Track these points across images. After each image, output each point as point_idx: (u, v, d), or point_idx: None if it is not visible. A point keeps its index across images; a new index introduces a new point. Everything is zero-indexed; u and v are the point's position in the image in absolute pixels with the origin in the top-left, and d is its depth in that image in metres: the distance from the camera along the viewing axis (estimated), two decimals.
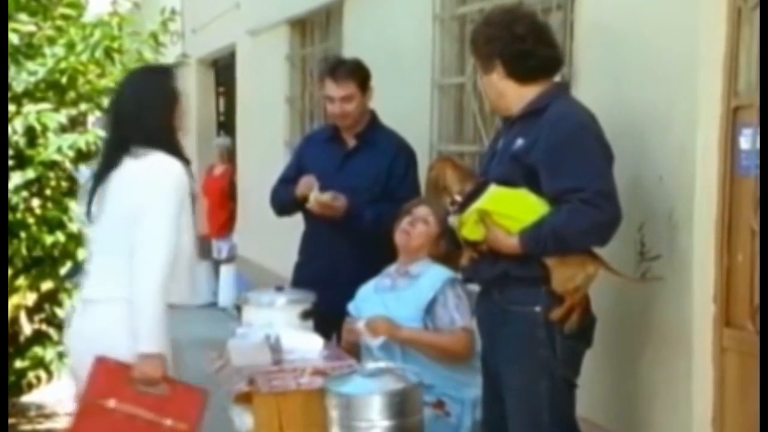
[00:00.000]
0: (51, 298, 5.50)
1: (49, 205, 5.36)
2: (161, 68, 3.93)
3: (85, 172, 4.99)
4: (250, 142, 9.62)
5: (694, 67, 3.22)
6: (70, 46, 5.38)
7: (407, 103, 5.40)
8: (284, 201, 4.45)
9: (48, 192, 5.40)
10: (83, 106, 5.48)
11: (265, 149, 8.75)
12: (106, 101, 5.17)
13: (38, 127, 5.15)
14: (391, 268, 3.89)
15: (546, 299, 3.05)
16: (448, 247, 3.64)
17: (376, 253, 4.01)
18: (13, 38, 5.18)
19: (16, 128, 5.11)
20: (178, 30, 7.03)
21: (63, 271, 5.33)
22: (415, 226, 3.82)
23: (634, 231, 3.35)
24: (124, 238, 3.13)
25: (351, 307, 3.88)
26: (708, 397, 3.23)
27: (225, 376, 3.56)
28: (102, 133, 3.32)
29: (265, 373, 3.38)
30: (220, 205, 10.04)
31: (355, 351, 3.76)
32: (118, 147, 3.27)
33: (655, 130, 3.39)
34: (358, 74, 4.33)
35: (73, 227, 5.20)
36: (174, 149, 3.28)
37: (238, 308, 5.31)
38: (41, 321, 5.61)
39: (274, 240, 7.33)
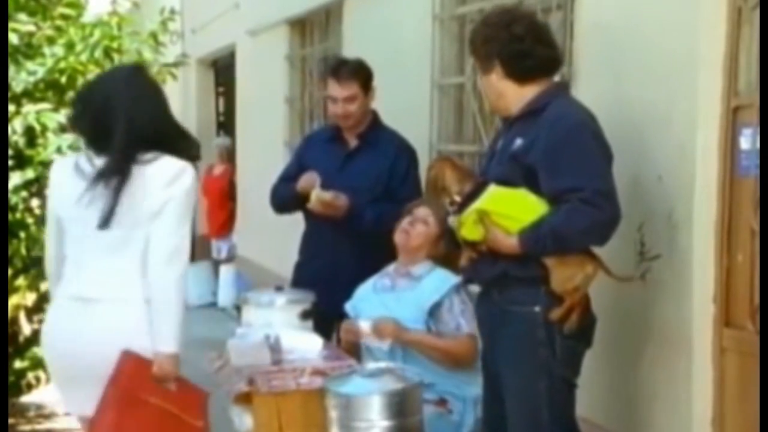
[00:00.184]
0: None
1: None
2: (134, 66, 3.79)
3: None
4: (249, 142, 9.61)
5: (694, 66, 3.22)
6: (70, 46, 5.37)
7: (407, 102, 5.39)
8: (285, 197, 4.43)
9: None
10: None
11: (264, 149, 8.74)
12: None
13: (38, 127, 5.13)
14: (390, 268, 3.88)
15: (545, 299, 3.04)
16: (447, 248, 3.64)
17: (376, 254, 4.00)
18: (13, 38, 5.16)
19: (15, 128, 5.10)
20: (177, 30, 7.02)
21: None
22: (414, 227, 3.81)
23: (633, 231, 3.34)
24: (135, 241, 3.12)
25: (348, 307, 3.87)
26: (708, 397, 3.22)
27: (224, 376, 3.56)
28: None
29: (265, 373, 3.38)
30: (219, 205, 10.04)
31: (355, 351, 3.76)
32: (126, 157, 3.12)
33: (654, 129, 3.39)
34: (361, 74, 4.31)
35: None
36: (179, 148, 3.23)
37: (238, 308, 5.32)
38: (41, 321, 5.59)
39: (273, 240, 7.34)
